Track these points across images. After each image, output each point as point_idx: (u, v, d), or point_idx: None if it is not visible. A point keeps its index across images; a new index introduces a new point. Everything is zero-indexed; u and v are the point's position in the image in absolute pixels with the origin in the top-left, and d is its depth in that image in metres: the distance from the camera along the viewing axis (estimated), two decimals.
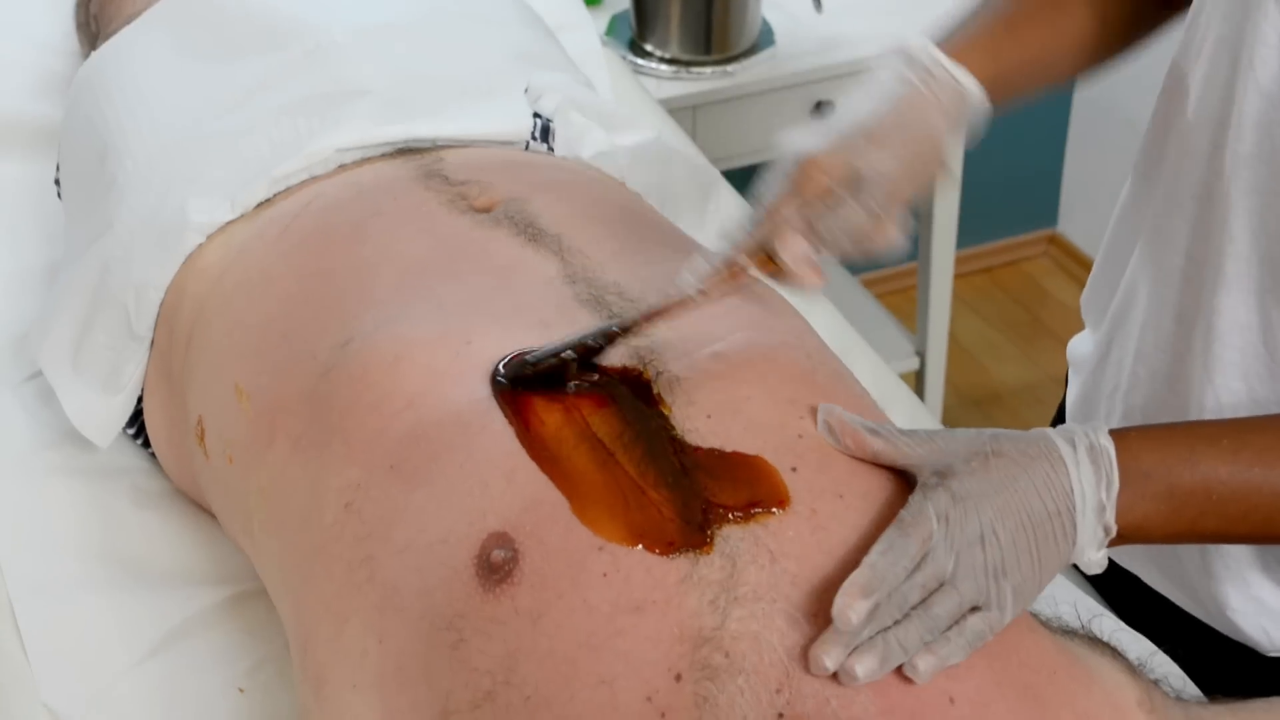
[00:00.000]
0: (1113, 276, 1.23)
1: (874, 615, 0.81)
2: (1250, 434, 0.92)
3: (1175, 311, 1.10)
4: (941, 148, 1.02)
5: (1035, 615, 0.95)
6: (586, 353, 0.98)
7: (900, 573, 0.82)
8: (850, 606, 0.80)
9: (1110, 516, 0.88)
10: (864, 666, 0.80)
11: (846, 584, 0.81)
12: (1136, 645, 1.05)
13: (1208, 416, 1.07)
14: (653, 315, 0.98)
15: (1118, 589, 1.25)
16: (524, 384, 0.97)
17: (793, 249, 0.97)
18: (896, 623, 0.82)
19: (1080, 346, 1.33)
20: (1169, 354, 1.12)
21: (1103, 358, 1.23)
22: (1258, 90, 0.98)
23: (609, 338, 0.98)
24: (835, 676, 0.81)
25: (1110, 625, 1.06)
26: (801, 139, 0.99)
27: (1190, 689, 1.04)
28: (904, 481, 0.92)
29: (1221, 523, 0.91)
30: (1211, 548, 1.12)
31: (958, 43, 1.06)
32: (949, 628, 0.83)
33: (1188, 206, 1.07)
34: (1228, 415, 1.06)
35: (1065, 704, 0.87)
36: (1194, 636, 1.19)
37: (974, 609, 0.84)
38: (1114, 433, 0.90)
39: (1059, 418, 1.38)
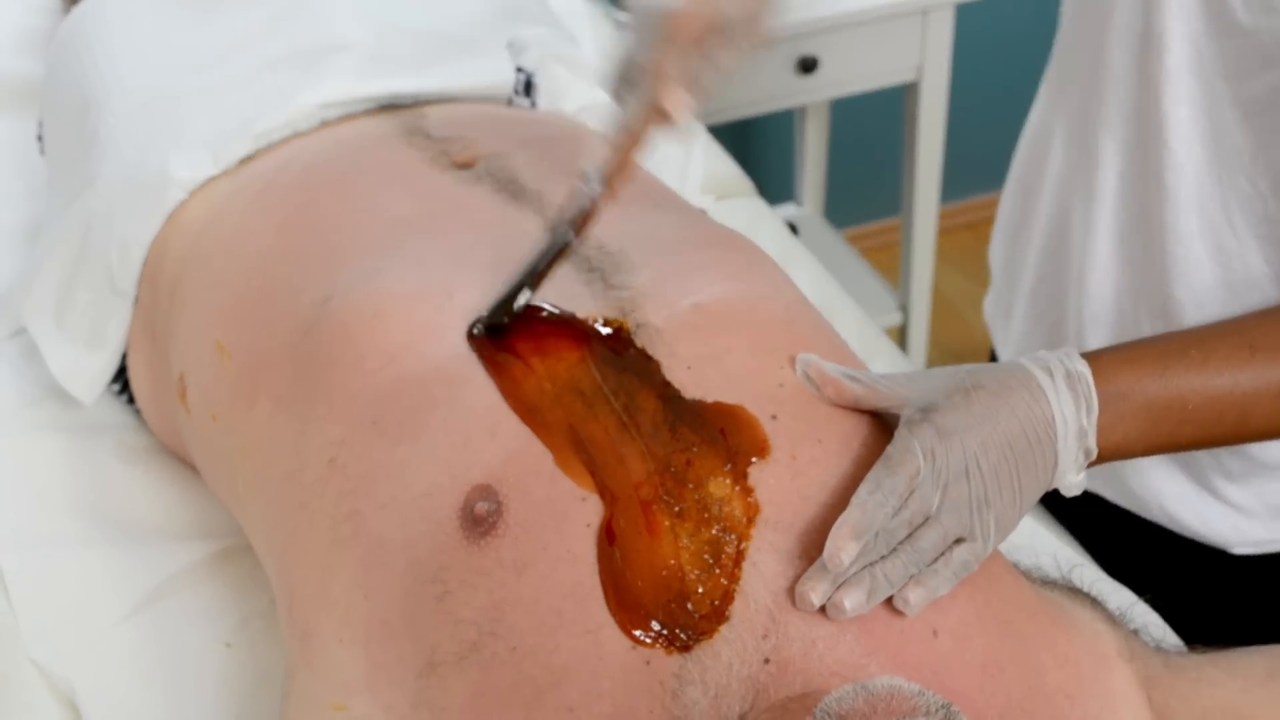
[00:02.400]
0: (1025, 221, 1.25)
1: (862, 552, 0.82)
2: (1214, 341, 0.94)
3: (1114, 230, 1.12)
4: None
5: (1015, 565, 0.96)
6: (540, 279, 1.00)
7: (889, 511, 0.83)
8: (842, 549, 0.81)
9: (1091, 440, 0.89)
10: (851, 600, 0.82)
11: (838, 524, 0.82)
12: (1117, 595, 1.06)
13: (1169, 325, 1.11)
14: (584, 218, 1.03)
15: (1088, 516, 1.27)
16: (503, 334, 0.97)
17: (680, 102, 1.00)
18: (882, 557, 0.83)
19: (998, 305, 1.36)
20: (1114, 275, 1.14)
21: (1048, 296, 1.25)
22: (1178, 1, 1.01)
23: (554, 256, 1.01)
24: (823, 612, 0.82)
25: (1090, 575, 1.06)
26: None
27: (1170, 638, 1.05)
28: (883, 423, 0.93)
29: (1197, 430, 0.93)
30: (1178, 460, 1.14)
31: None
32: (934, 560, 0.84)
33: (1117, 125, 1.09)
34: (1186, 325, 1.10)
35: (1046, 646, 0.89)
36: (1161, 548, 1.21)
37: (958, 540, 0.85)
38: (1086, 356, 0.92)
39: None
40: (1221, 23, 1.01)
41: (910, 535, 0.84)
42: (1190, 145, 1.05)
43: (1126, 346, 0.95)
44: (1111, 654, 0.93)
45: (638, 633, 0.83)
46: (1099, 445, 0.90)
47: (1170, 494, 1.21)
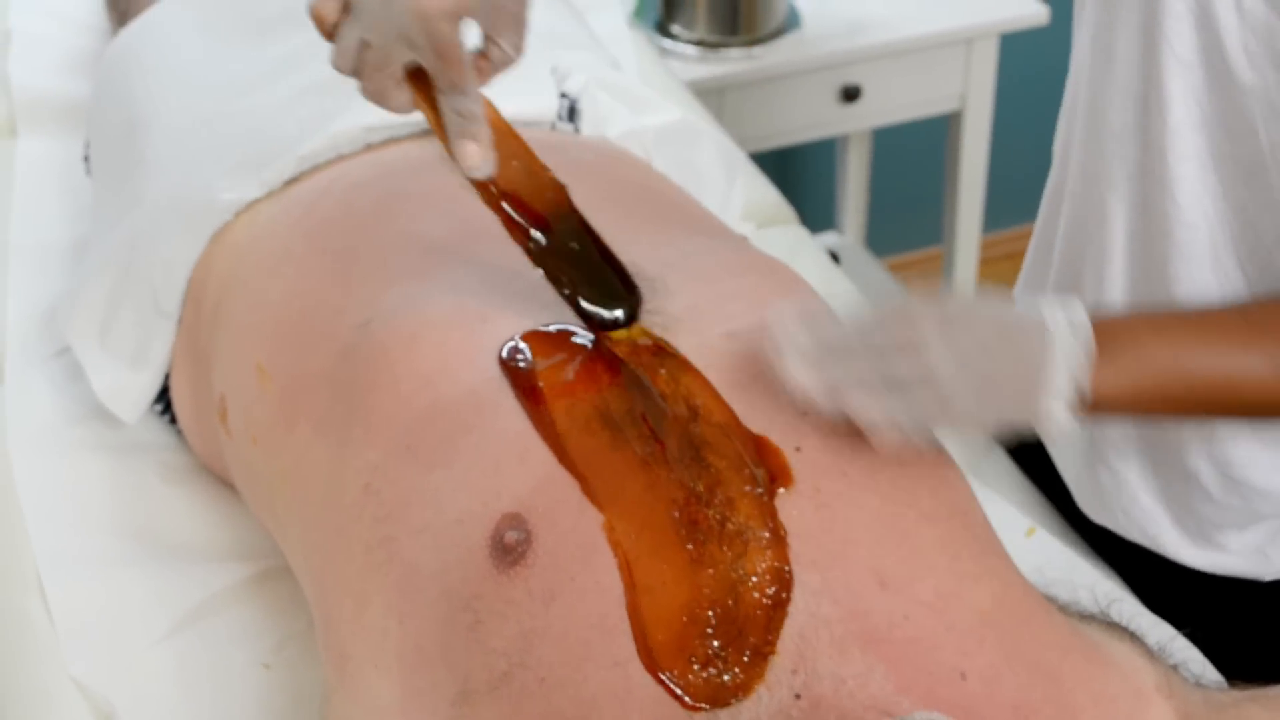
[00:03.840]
0: (1046, 255, 1.26)
1: (846, 356, 0.88)
2: (1214, 315, 0.99)
3: (1125, 283, 1.12)
4: None
5: (1052, 599, 0.95)
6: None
7: (867, 338, 0.90)
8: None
9: (1084, 376, 0.91)
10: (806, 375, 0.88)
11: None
12: (1156, 630, 1.05)
13: None
14: None
15: (1128, 561, 1.26)
16: (532, 362, 0.97)
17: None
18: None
19: None
20: None
21: None
22: (1178, 61, 1.01)
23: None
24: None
25: (1130, 609, 1.05)
26: None
27: (1211, 674, 1.04)
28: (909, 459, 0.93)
29: (1186, 393, 0.95)
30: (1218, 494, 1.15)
31: None
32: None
33: (1121, 184, 1.09)
34: None
35: (1081, 684, 0.88)
36: (1190, 586, 1.20)
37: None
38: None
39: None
40: (1222, 81, 1.00)
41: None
42: (1200, 201, 1.05)
43: (1122, 312, 0.99)
44: (1150, 690, 0.92)
45: (664, 672, 0.83)
46: (1091, 388, 0.91)
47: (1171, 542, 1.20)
